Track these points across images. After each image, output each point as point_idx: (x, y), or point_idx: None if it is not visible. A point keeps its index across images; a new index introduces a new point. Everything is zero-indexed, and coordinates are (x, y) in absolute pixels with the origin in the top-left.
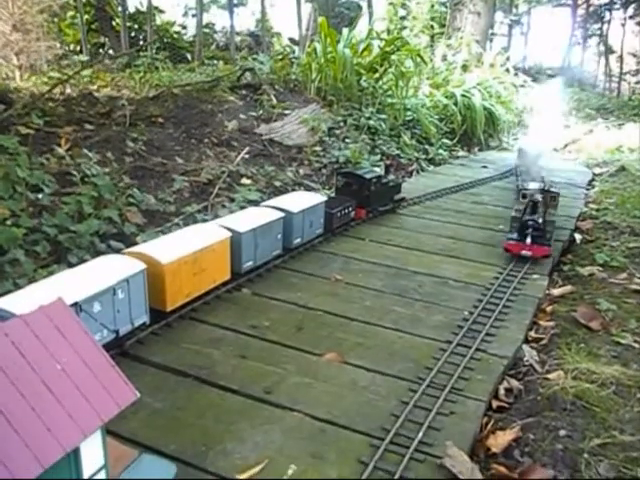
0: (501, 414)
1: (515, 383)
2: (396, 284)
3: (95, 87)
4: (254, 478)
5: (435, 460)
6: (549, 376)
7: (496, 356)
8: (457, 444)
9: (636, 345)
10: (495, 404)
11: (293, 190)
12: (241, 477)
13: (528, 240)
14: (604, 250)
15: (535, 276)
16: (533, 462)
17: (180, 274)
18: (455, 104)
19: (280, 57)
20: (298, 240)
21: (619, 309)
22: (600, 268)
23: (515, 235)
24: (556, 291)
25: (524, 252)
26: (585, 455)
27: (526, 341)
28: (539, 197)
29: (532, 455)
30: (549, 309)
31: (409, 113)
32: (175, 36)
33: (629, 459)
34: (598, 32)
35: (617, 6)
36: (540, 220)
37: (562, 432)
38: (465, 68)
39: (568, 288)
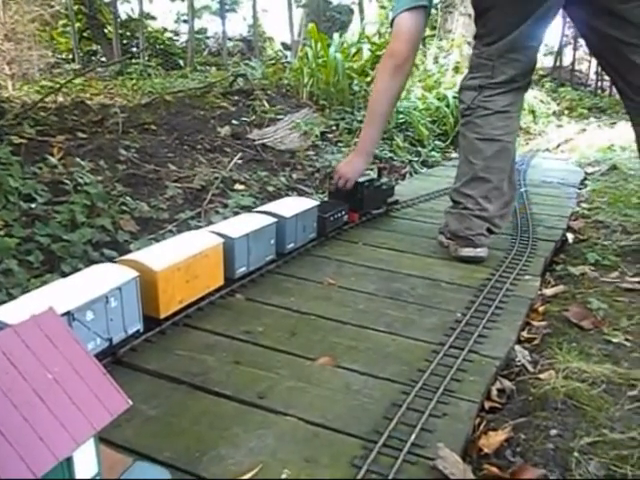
0: (493, 415)
1: (507, 383)
2: (389, 287)
3: (88, 95)
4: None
5: (427, 462)
6: (541, 376)
7: (489, 357)
8: (449, 445)
9: (627, 343)
10: (487, 405)
11: (287, 195)
12: None
13: None
14: (596, 249)
15: (527, 277)
16: (524, 462)
17: (173, 281)
18: (447, 106)
19: (272, 62)
20: (291, 245)
21: (610, 308)
22: (592, 267)
23: None
24: (548, 291)
25: None
26: (576, 454)
27: (518, 341)
28: None
29: (524, 455)
30: (541, 309)
31: (401, 116)
32: (167, 42)
33: (619, 457)
34: None
35: None
36: None
37: (553, 431)
38: (457, 70)
39: (560, 288)
